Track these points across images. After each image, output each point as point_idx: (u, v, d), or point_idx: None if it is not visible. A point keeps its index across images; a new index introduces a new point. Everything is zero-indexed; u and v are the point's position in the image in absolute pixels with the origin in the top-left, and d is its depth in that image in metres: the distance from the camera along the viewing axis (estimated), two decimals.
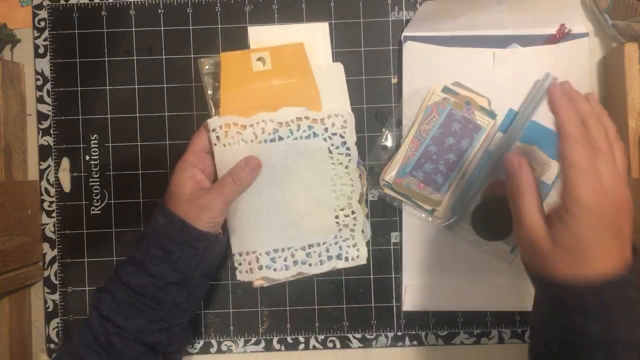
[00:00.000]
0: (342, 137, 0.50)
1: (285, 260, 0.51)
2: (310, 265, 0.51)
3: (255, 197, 0.50)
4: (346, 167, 0.51)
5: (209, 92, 0.53)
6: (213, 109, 0.52)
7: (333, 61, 0.56)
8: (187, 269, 0.45)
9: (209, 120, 0.49)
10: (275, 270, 0.50)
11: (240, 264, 0.51)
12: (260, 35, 0.55)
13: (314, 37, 0.55)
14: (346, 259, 0.51)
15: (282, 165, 0.50)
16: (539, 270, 0.37)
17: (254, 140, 0.49)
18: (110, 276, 0.46)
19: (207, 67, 0.53)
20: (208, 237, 0.45)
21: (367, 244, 0.54)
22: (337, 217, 0.51)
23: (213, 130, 0.49)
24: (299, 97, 0.51)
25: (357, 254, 0.51)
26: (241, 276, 0.51)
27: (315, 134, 0.50)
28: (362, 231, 0.51)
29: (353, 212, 0.51)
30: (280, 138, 0.49)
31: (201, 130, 0.49)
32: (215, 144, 0.49)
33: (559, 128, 0.36)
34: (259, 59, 0.52)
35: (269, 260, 0.50)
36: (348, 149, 0.51)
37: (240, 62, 0.51)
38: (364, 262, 0.52)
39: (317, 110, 0.51)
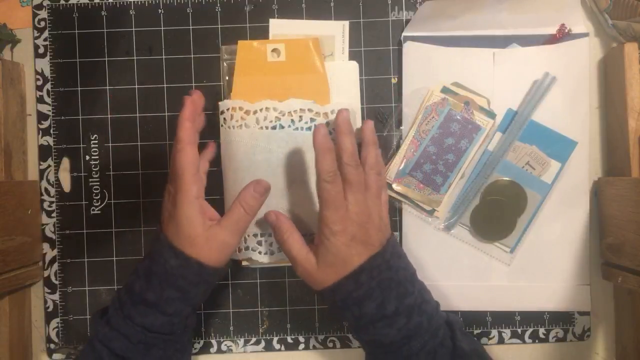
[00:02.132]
0: None
1: (270, 245, 0.52)
2: None
3: (250, 179, 0.49)
4: None
5: (226, 77, 0.55)
6: (227, 93, 0.55)
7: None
8: (200, 301, 0.47)
9: (219, 103, 0.52)
10: (260, 253, 0.52)
11: None
12: (281, 28, 0.56)
13: (334, 34, 0.55)
14: None
15: (279, 154, 0.51)
16: (317, 289, 0.45)
17: (256, 126, 0.51)
18: (114, 310, 0.44)
19: (226, 55, 0.55)
20: (223, 271, 0.47)
21: None
22: None
23: (222, 112, 0.52)
24: (308, 92, 0.52)
25: None
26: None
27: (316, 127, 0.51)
28: None
29: None
30: (282, 127, 0.51)
31: (185, 149, 0.44)
32: (222, 125, 0.52)
33: (316, 172, 0.44)
34: (273, 50, 0.53)
35: (255, 242, 0.52)
36: None
37: (255, 51, 0.53)
38: None
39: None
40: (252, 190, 0.45)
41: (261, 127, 0.51)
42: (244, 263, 0.54)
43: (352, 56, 0.56)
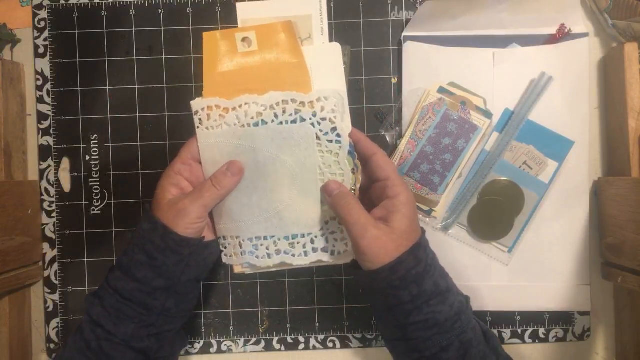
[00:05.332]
0: (332, 122, 0.46)
1: (267, 248, 0.49)
2: (293, 256, 0.49)
3: (239, 183, 0.48)
4: (336, 156, 0.47)
5: None
6: None
7: (330, 38, 0.54)
8: (172, 275, 0.45)
9: (191, 102, 0.48)
10: (257, 257, 0.49)
11: (225, 248, 0.50)
12: (250, 12, 0.52)
13: (310, 12, 0.52)
14: (332, 252, 0.48)
15: (265, 152, 0.47)
16: (374, 266, 0.42)
17: (237, 124, 0.47)
18: (101, 282, 0.47)
19: None
20: (191, 242, 0.45)
21: None
22: (324, 208, 0.48)
23: (196, 112, 0.48)
24: (287, 80, 0.48)
25: (346, 249, 0.48)
26: (226, 259, 0.50)
27: (302, 119, 0.46)
28: None
29: None
30: (264, 122, 0.47)
31: (192, 138, 0.48)
32: (198, 127, 0.48)
33: (381, 166, 0.46)
34: (243, 39, 0.49)
35: (252, 247, 0.49)
36: (339, 135, 0.46)
37: (223, 42, 0.49)
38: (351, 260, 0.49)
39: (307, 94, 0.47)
40: (224, 169, 0.47)
41: (242, 125, 0.47)
42: (237, 270, 0.51)
43: (353, 56, 0.56)
